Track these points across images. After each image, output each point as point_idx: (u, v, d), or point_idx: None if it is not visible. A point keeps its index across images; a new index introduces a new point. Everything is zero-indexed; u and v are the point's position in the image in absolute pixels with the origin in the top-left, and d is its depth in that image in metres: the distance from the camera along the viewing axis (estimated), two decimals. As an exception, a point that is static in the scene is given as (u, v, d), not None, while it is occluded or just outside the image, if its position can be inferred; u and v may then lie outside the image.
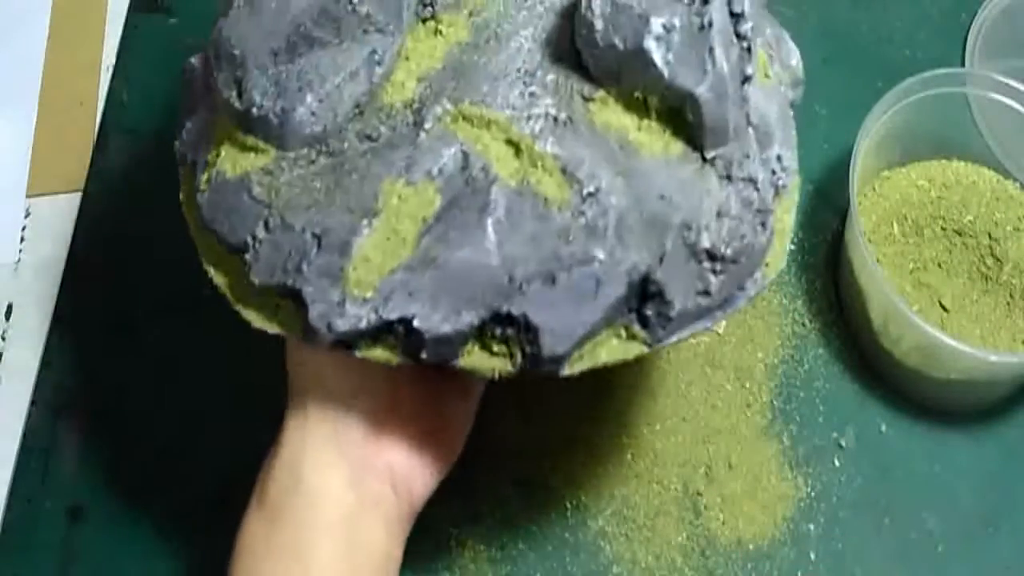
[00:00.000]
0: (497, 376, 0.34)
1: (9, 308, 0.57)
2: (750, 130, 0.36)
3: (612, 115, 0.36)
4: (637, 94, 0.35)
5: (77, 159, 0.60)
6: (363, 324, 0.33)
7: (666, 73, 0.34)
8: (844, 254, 0.52)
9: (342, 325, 0.33)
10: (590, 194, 0.34)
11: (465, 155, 0.35)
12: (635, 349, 0.35)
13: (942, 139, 0.54)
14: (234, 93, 0.35)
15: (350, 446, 0.37)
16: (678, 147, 0.35)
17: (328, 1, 0.35)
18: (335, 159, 0.35)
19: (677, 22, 0.34)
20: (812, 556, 0.48)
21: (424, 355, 0.33)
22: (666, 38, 0.34)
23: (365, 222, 0.33)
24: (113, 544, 0.50)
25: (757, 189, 0.36)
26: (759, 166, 0.36)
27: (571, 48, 0.37)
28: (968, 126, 0.55)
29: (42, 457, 0.52)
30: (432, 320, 0.32)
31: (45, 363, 0.55)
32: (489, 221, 0.33)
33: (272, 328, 0.36)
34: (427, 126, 0.35)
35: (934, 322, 0.49)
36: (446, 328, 0.32)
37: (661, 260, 0.33)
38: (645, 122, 0.36)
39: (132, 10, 0.65)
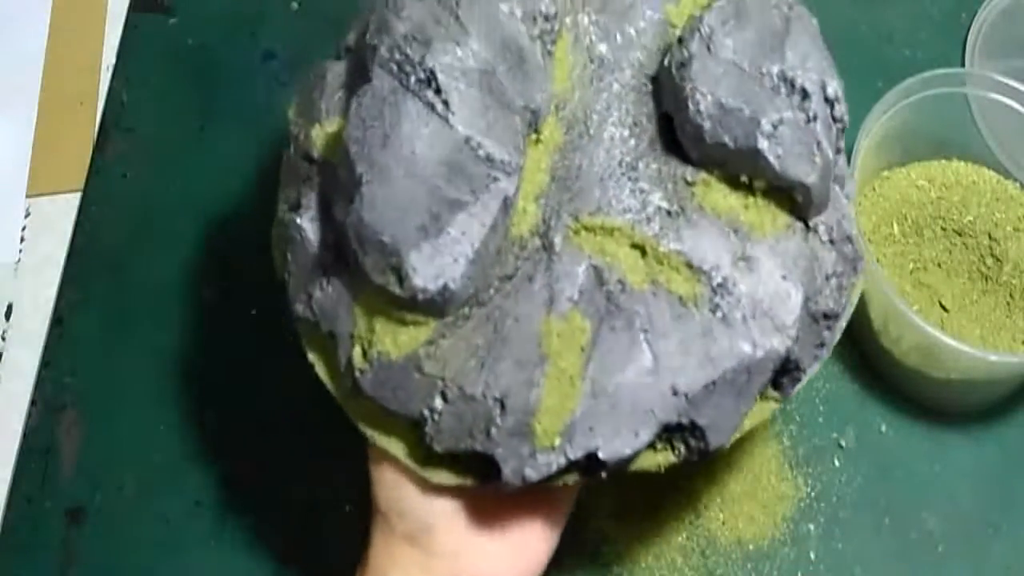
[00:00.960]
0: (658, 470, 0.36)
1: (9, 308, 0.57)
2: (837, 189, 0.38)
3: (718, 196, 0.37)
4: (743, 178, 0.37)
5: (77, 159, 0.60)
6: (553, 468, 0.33)
7: (778, 167, 0.36)
8: (844, 254, 0.52)
9: (534, 475, 0.34)
10: (719, 285, 0.35)
11: (597, 270, 0.35)
12: (768, 409, 0.38)
13: (942, 139, 0.54)
14: (392, 279, 0.34)
15: (438, 567, 0.36)
16: (784, 219, 0.37)
17: (452, 152, 0.34)
18: (486, 308, 0.35)
19: (785, 118, 0.36)
20: (812, 556, 0.48)
21: (603, 474, 0.34)
22: (776, 135, 0.35)
23: (538, 372, 0.34)
24: (113, 544, 0.50)
25: (851, 242, 0.38)
26: (849, 222, 0.38)
27: (664, 131, 0.38)
28: (968, 126, 0.55)
29: (42, 457, 0.52)
30: (614, 447, 0.33)
31: (45, 363, 0.55)
32: (641, 338, 0.34)
33: (462, 480, 0.36)
34: (556, 249, 0.36)
35: (934, 322, 0.49)
36: (627, 451, 0.34)
37: (796, 339, 0.35)
38: (751, 200, 0.37)
39: (132, 10, 0.65)
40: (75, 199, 0.59)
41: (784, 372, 0.37)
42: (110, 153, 0.60)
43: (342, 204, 0.35)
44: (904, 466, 0.50)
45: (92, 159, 0.60)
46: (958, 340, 0.45)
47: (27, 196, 0.60)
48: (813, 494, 0.50)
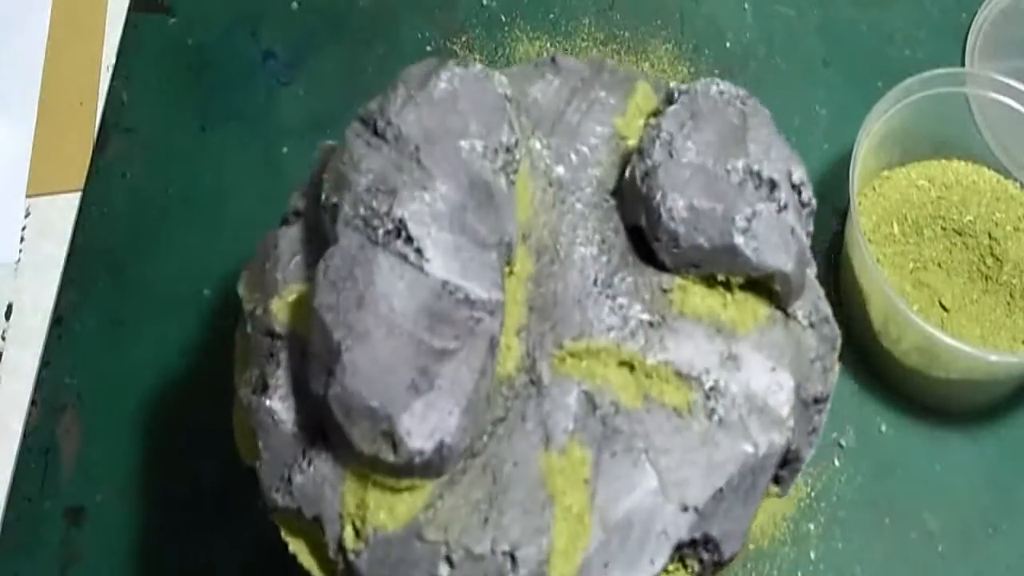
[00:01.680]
0: None
1: (9, 308, 0.57)
2: (809, 273, 0.38)
3: (697, 299, 0.37)
4: (720, 276, 0.37)
5: (77, 159, 0.60)
6: None
7: (755, 260, 0.36)
8: (844, 254, 0.52)
9: None
10: (712, 388, 0.35)
11: (588, 395, 0.35)
12: (772, 504, 0.38)
13: (942, 139, 0.54)
14: (384, 447, 0.32)
15: None
16: (764, 310, 0.37)
17: (431, 300, 0.33)
18: (482, 457, 0.34)
19: (758, 211, 0.36)
20: (812, 556, 0.48)
21: None
22: (750, 229, 0.35)
23: (546, 516, 0.33)
24: (113, 544, 0.50)
25: (828, 322, 0.38)
26: (823, 302, 0.39)
27: (633, 243, 0.38)
28: (968, 126, 0.55)
29: (42, 457, 0.52)
30: None
31: (45, 363, 0.55)
32: (643, 459, 0.34)
33: None
34: (545, 382, 0.35)
35: (934, 322, 0.49)
36: None
37: (793, 429, 0.35)
38: (729, 297, 0.37)
39: (132, 10, 0.65)
40: (75, 199, 0.59)
41: (784, 464, 0.37)
42: (110, 153, 0.60)
43: (320, 376, 0.33)
44: (904, 466, 0.50)
45: (92, 159, 0.60)
46: (958, 340, 0.45)
47: (27, 196, 0.60)
48: (813, 494, 0.50)
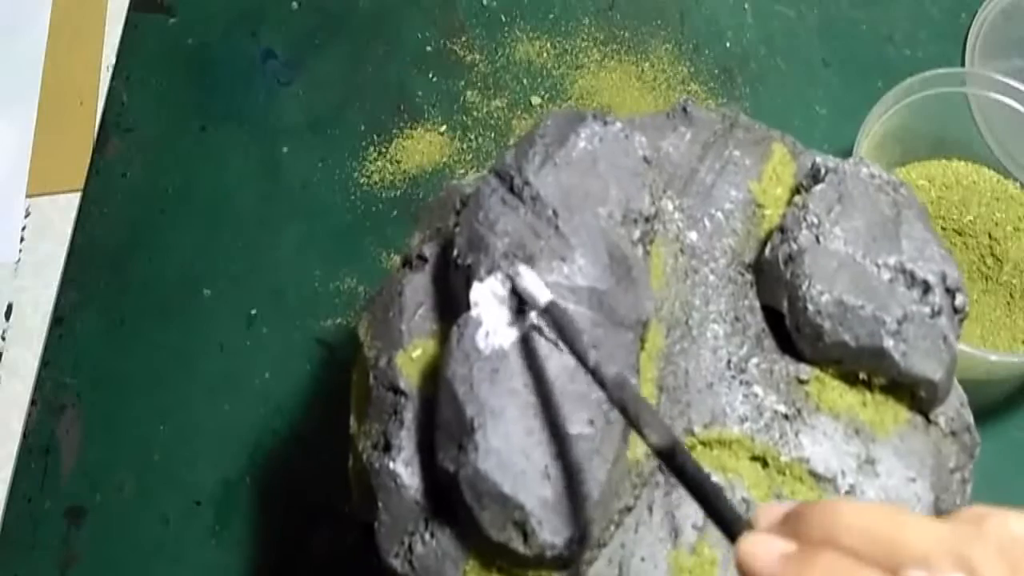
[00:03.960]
0: None
1: (9, 308, 0.57)
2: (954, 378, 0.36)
3: (835, 395, 0.35)
4: (861, 375, 0.34)
5: (77, 159, 0.60)
6: None
7: (903, 365, 0.33)
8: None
9: None
10: (847, 493, 0.33)
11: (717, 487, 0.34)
12: None
13: (942, 139, 0.54)
14: (515, 535, 0.30)
15: None
16: (904, 414, 0.35)
17: (565, 382, 0.31)
18: (609, 548, 0.32)
19: (910, 314, 0.33)
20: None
21: None
22: (901, 332, 0.33)
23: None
24: (113, 544, 0.50)
25: (970, 432, 0.36)
26: (967, 409, 0.36)
27: (770, 326, 0.36)
28: (968, 126, 0.55)
29: (42, 457, 0.52)
30: None
31: (45, 363, 0.55)
32: None
33: None
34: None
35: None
36: None
37: None
38: (869, 396, 0.35)
39: (132, 10, 0.65)
40: (75, 199, 0.59)
41: None
42: (110, 153, 0.60)
43: (450, 451, 0.31)
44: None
45: (92, 159, 0.60)
46: (958, 340, 0.45)
47: (27, 196, 0.60)
48: (813, 494, 0.50)
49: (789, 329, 0.35)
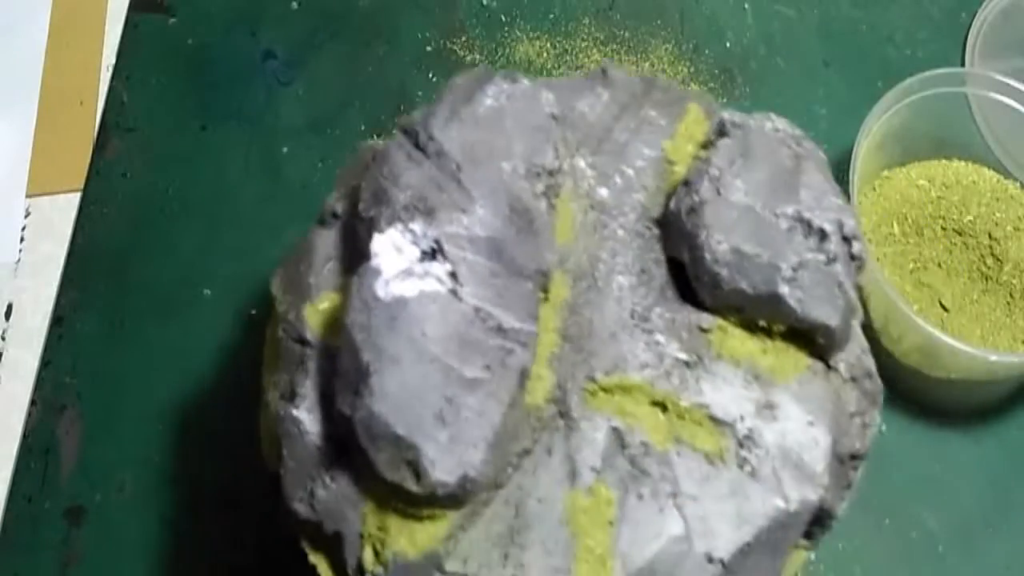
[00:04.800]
0: None
1: (9, 308, 0.57)
2: (855, 324, 0.37)
3: (736, 343, 0.36)
4: (761, 322, 0.35)
5: (77, 159, 0.60)
6: None
7: (799, 311, 0.34)
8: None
9: None
10: (745, 437, 0.34)
11: (618, 433, 0.34)
12: (800, 558, 0.36)
13: (942, 139, 0.54)
14: (408, 475, 0.31)
15: None
16: (804, 360, 0.36)
17: (463, 327, 0.32)
18: (505, 491, 0.33)
19: (805, 261, 0.34)
20: (812, 556, 0.48)
21: None
22: (796, 279, 0.34)
23: (568, 557, 0.32)
24: (113, 544, 0.50)
25: (871, 378, 0.37)
26: (867, 356, 0.37)
27: (674, 277, 0.37)
28: (968, 126, 0.55)
29: (42, 457, 0.52)
30: None
31: (45, 363, 0.55)
32: (670, 504, 0.33)
33: None
34: (574, 415, 0.34)
35: (934, 322, 0.49)
36: None
37: (827, 487, 0.34)
38: (769, 344, 0.36)
39: (132, 10, 0.65)
40: (75, 199, 0.59)
41: (815, 520, 0.35)
42: (110, 153, 0.60)
43: (347, 396, 0.32)
44: (904, 466, 0.50)
45: (92, 159, 0.60)
46: (958, 340, 0.45)
47: (27, 196, 0.60)
48: (813, 494, 0.50)
49: (690, 278, 0.36)
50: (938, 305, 0.51)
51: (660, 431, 0.34)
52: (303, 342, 0.36)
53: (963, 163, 0.54)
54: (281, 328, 0.37)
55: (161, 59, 0.63)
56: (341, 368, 0.33)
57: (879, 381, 0.37)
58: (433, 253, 0.32)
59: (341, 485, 0.33)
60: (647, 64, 0.60)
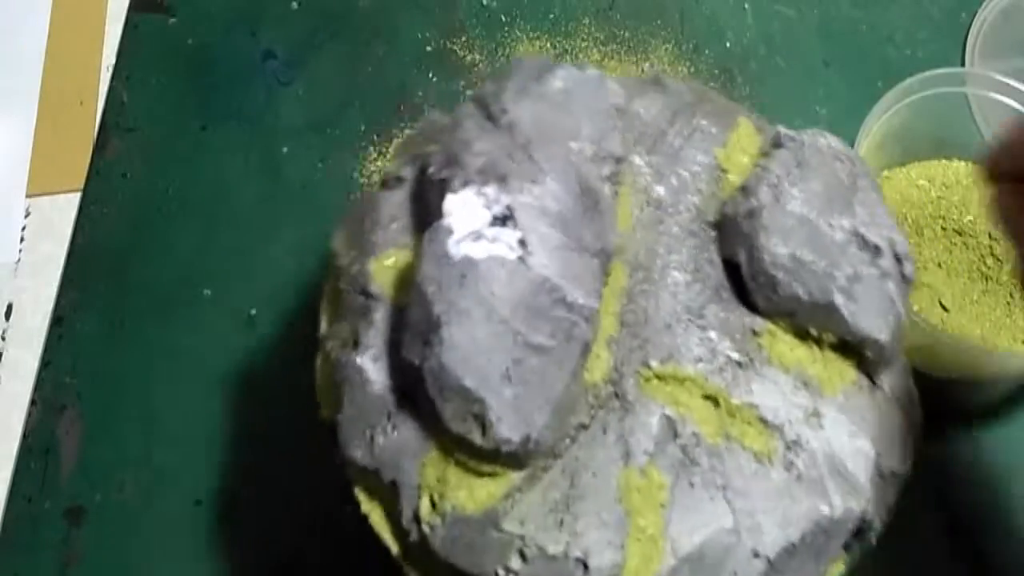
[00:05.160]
0: None
1: (9, 308, 0.57)
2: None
3: (785, 348, 0.36)
4: (812, 330, 0.36)
5: (77, 159, 0.60)
6: None
7: (851, 322, 0.35)
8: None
9: None
10: (793, 442, 0.34)
11: (671, 421, 0.34)
12: (839, 569, 0.36)
13: (942, 139, 0.54)
14: (474, 428, 0.32)
15: None
16: (851, 374, 0.36)
17: (530, 294, 0.32)
18: (563, 460, 0.34)
19: (860, 273, 0.35)
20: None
21: None
22: (850, 290, 0.35)
23: (621, 531, 0.32)
24: (113, 544, 0.50)
25: (915, 404, 0.37)
26: (913, 384, 0.38)
27: (728, 278, 0.37)
28: (968, 126, 0.55)
29: (42, 457, 0.52)
30: None
31: (45, 363, 0.55)
32: (721, 496, 0.33)
33: None
34: (629, 397, 0.35)
35: (934, 322, 0.49)
36: None
37: (870, 499, 0.35)
38: (818, 353, 0.36)
39: (132, 10, 0.65)
40: (75, 199, 0.59)
41: (856, 532, 0.36)
42: (110, 153, 0.60)
43: (416, 346, 0.33)
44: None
45: (92, 159, 0.60)
46: (958, 340, 0.45)
47: (27, 196, 0.60)
48: (813, 494, 0.50)
49: (745, 280, 0.36)
50: (938, 305, 0.51)
51: (711, 424, 0.35)
52: (367, 294, 0.36)
53: (963, 163, 0.54)
54: (344, 281, 0.37)
55: (161, 59, 0.63)
56: (411, 320, 0.33)
57: (920, 411, 0.38)
58: (504, 219, 0.33)
59: (402, 435, 0.34)
60: (647, 64, 0.60)
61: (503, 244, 0.33)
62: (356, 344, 0.35)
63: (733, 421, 0.35)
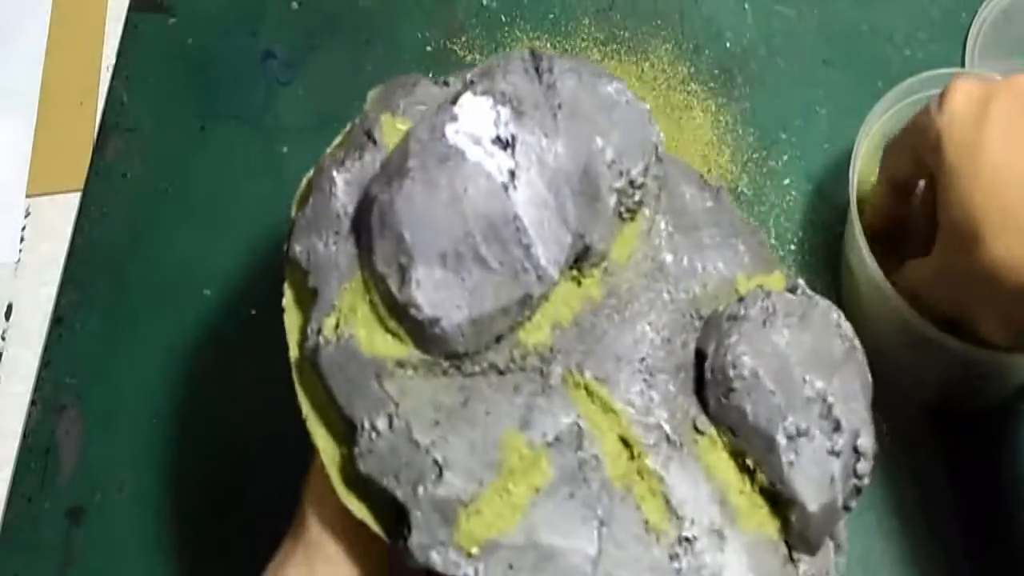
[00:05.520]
0: None
1: (9, 308, 0.57)
2: (830, 545, 0.37)
3: (719, 462, 0.35)
4: (748, 461, 0.35)
5: (77, 159, 0.60)
6: (459, 574, 0.32)
7: (784, 472, 0.34)
8: (844, 254, 0.52)
9: (439, 565, 0.32)
10: (687, 539, 0.33)
11: (580, 431, 0.34)
12: None
13: (942, 139, 0.54)
14: (394, 278, 0.33)
15: None
16: (771, 530, 0.35)
17: (497, 218, 0.33)
18: (465, 379, 0.34)
19: (811, 432, 0.34)
20: None
21: None
22: (795, 441, 0.34)
23: (488, 475, 0.32)
24: (113, 544, 0.50)
25: None
26: None
27: (691, 365, 0.37)
28: (968, 126, 0.55)
29: (42, 457, 0.52)
30: None
31: (45, 363, 0.55)
32: (595, 527, 0.33)
33: (359, 512, 0.34)
34: (551, 382, 0.35)
35: (934, 322, 0.49)
36: None
37: None
38: (747, 486, 0.35)
39: (132, 10, 0.65)
40: (75, 199, 0.59)
41: None
42: (110, 153, 0.60)
43: (381, 182, 0.34)
44: (904, 466, 0.50)
45: (92, 159, 0.60)
46: (958, 340, 0.45)
47: (27, 196, 0.60)
48: (813, 494, 0.50)
49: (705, 371, 0.36)
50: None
51: (617, 467, 0.34)
52: (370, 136, 0.37)
53: (963, 163, 0.54)
54: (358, 121, 0.39)
55: (161, 59, 0.63)
56: (388, 163, 0.35)
57: None
58: (505, 144, 0.34)
59: (340, 252, 0.35)
60: (647, 64, 0.60)
61: (494, 163, 0.33)
62: (341, 163, 0.37)
63: (638, 481, 0.34)
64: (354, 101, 0.60)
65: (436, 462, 0.32)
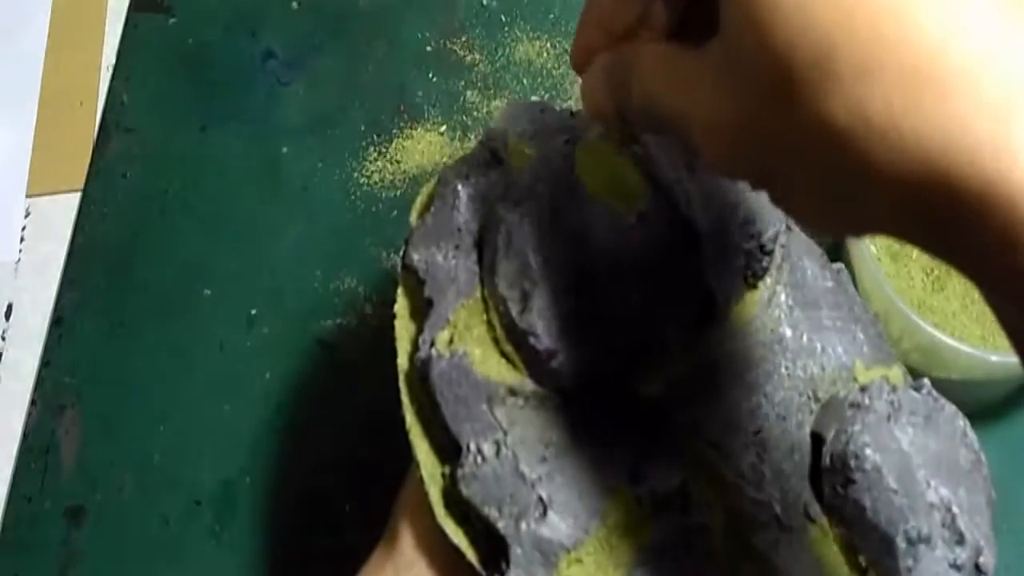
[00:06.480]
0: None
1: (9, 308, 0.57)
2: None
3: (830, 554, 0.34)
4: (861, 559, 0.34)
5: (77, 159, 0.60)
6: None
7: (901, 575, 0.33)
8: (844, 254, 0.52)
9: None
10: None
11: (689, 496, 0.33)
12: None
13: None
14: (516, 302, 0.32)
15: None
16: None
17: (623, 258, 0.32)
18: (576, 419, 0.33)
19: (932, 541, 0.33)
20: None
21: None
22: (915, 548, 0.33)
23: (593, 524, 0.31)
24: (113, 544, 0.50)
25: None
26: None
27: (807, 448, 0.35)
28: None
29: (42, 457, 0.52)
30: None
31: (45, 363, 0.55)
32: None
33: (455, 536, 0.33)
34: (664, 437, 0.34)
35: (934, 322, 0.49)
36: None
37: None
38: None
39: (132, 10, 0.65)
40: (75, 199, 0.59)
41: None
42: (110, 153, 0.60)
43: (510, 203, 0.34)
44: (904, 466, 0.50)
45: (92, 159, 0.60)
46: (958, 340, 0.45)
47: (27, 196, 0.60)
48: (813, 494, 0.50)
49: (823, 457, 0.34)
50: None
51: (723, 540, 0.33)
52: (495, 155, 0.37)
53: (963, 163, 0.54)
54: (484, 138, 0.39)
55: (161, 59, 0.63)
56: (516, 184, 0.35)
57: None
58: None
59: (459, 266, 0.35)
60: (647, 64, 0.60)
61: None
62: (466, 177, 0.36)
63: (743, 557, 0.33)
64: (354, 101, 0.61)
65: (541, 499, 0.31)
